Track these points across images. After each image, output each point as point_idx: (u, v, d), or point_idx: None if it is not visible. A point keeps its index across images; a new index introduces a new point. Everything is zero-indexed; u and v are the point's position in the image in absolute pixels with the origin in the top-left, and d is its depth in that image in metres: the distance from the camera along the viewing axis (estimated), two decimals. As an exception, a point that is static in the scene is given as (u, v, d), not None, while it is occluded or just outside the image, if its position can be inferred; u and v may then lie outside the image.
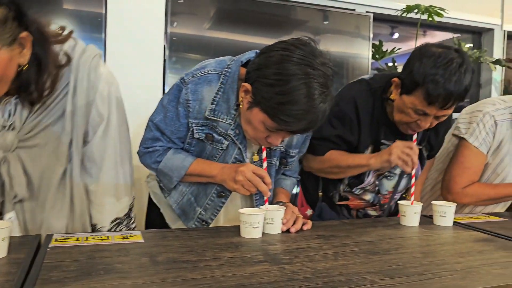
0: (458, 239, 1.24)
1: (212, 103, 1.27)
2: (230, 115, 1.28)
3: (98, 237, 1.13)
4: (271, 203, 1.40)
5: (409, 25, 3.52)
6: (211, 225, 1.41)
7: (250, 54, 1.29)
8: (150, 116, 1.37)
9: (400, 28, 3.73)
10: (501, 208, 1.69)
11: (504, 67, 3.53)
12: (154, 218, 1.50)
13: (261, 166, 1.30)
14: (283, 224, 1.25)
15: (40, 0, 2.19)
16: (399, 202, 1.43)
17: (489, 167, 1.64)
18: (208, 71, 1.29)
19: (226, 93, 1.27)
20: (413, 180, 1.45)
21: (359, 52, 3.00)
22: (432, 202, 1.44)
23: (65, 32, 1.15)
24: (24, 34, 0.99)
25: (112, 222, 1.26)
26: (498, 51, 3.60)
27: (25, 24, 1.00)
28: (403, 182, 1.64)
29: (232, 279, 0.85)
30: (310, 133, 1.48)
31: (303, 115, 1.11)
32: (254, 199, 1.41)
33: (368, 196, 1.65)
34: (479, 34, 3.71)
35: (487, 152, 1.62)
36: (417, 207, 1.39)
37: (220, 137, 1.30)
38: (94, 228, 1.25)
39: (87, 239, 1.11)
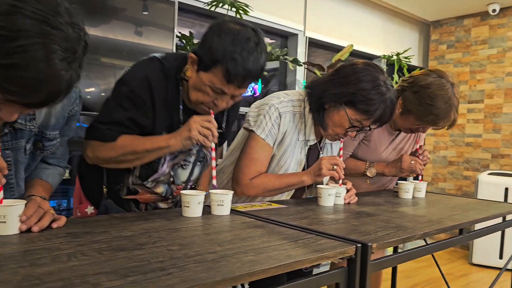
0: (228, 228, 1.17)
1: None
2: None
3: None
4: (21, 197, 1.13)
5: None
6: None
7: None
8: None
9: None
10: (286, 196, 1.72)
11: (306, 70, 3.84)
12: None
13: None
14: (21, 222, 0.99)
15: None
16: (182, 192, 1.31)
17: (274, 158, 1.65)
18: None
19: None
20: (213, 162, 1.36)
21: (163, 45, 2.85)
22: (210, 191, 1.36)
23: None
24: None
25: None
26: (302, 55, 3.90)
27: None
28: (196, 171, 1.53)
29: None
30: (76, 112, 1.25)
31: (38, 84, 0.86)
32: None
33: (161, 189, 1.49)
34: (286, 38, 3.97)
35: (274, 144, 1.63)
36: (200, 196, 1.29)
37: None
38: None
39: None
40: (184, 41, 2.99)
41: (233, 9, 2.86)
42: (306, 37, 3.89)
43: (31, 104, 0.92)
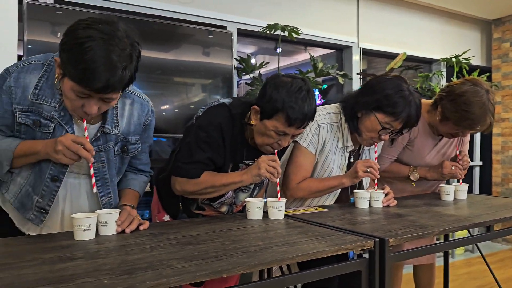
0: (275, 228, 1.44)
1: (35, 88, 1.33)
2: (55, 99, 1.34)
3: None
4: (115, 206, 1.49)
5: (288, 42, 3.78)
6: (54, 223, 1.45)
7: None
8: None
9: (284, 44, 4.01)
10: (330, 201, 1.95)
11: (361, 80, 4.01)
12: (3, 225, 1.48)
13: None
14: (118, 225, 1.34)
15: None
16: (246, 199, 1.63)
17: (318, 164, 1.91)
18: (31, 62, 1.36)
19: (50, 79, 1.34)
20: (278, 187, 1.66)
21: (227, 64, 3.21)
22: (267, 199, 1.64)
23: None
24: None
25: None
26: (356, 66, 4.08)
27: None
28: (255, 192, 1.85)
29: (37, 275, 0.93)
30: (150, 122, 1.57)
31: (101, 73, 1.18)
32: (99, 195, 1.47)
33: (224, 208, 1.81)
34: (340, 50, 4.17)
35: (316, 152, 1.88)
36: (259, 202, 1.59)
37: (46, 121, 1.35)
38: None
39: None
40: (243, 64, 3.33)
41: (285, 32, 3.15)
42: (360, 48, 4.06)
43: (97, 90, 1.22)
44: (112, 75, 1.19)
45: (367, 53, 4.23)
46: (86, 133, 1.34)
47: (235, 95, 3.26)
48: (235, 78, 3.26)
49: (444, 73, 4.50)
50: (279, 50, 4.03)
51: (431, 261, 2.36)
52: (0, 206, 1.49)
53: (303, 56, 6.19)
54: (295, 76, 1.64)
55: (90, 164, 1.34)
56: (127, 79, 1.24)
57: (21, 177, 1.42)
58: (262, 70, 3.39)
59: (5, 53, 2.11)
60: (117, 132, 1.46)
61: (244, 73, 3.38)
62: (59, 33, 2.48)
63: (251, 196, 1.83)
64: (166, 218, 1.88)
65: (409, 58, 4.05)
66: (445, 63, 4.39)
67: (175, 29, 3.03)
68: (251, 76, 3.33)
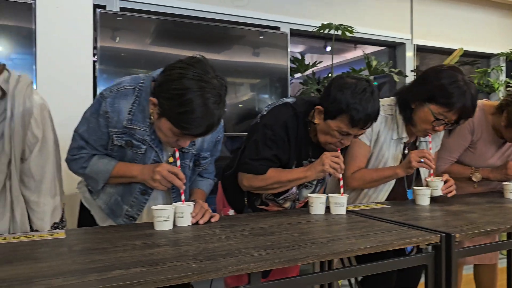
0: (338, 222, 1.50)
1: (129, 114, 1.47)
2: (145, 123, 1.48)
3: (25, 236, 1.28)
4: (187, 200, 1.61)
5: (337, 40, 3.82)
6: (137, 221, 1.58)
7: (160, 70, 1.50)
8: (75, 128, 1.54)
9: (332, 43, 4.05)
10: (383, 195, 1.97)
11: (415, 77, 3.95)
12: (85, 220, 1.65)
13: (175, 166, 1.50)
14: (192, 217, 1.45)
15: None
16: (308, 195, 1.70)
17: (373, 155, 1.94)
18: (123, 87, 1.49)
19: (141, 104, 1.47)
20: (341, 182, 1.71)
21: (282, 64, 3.29)
22: (329, 195, 1.69)
23: None
24: None
25: (52, 226, 1.42)
26: (410, 63, 4.02)
27: None
28: (317, 189, 1.91)
29: (132, 258, 1.05)
30: (220, 138, 1.69)
31: (201, 121, 1.33)
32: (172, 197, 1.60)
33: (287, 204, 1.89)
34: (393, 48, 4.13)
35: (370, 143, 1.92)
36: (322, 198, 1.65)
37: (138, 143, 1.49)
38: None
39: (13, 238, 1.26)
40: (296, 63, 3.39)
41: (339, 31, 3.18)
42: (414, 44, 4.00)
43: (198, 134, 1.37)
44: (211, 122, 1.33)
45: (421, 50, 4.16)
46: (178, 163, 1.49)
47: (289, 94, 3.33)
48: (289, 78, 3.33)
49: (504, 68, 4.34)
50: (328, 48, 4.06)
51: (494, 261, 2.32)
52: (83, 204, 1.65)
53: (351, 54, 6.14)
54: (359, 78, 1.69)
55: (181, 191, 1.48)
56: (221, 117, 1.38)
57: (111, 187, 1.57)
58: (314, 69, 3.44)
59: (82, 59, 2.29)
60: (193, 151, 1.59)
61: (296, 73, 3.44)
62: (117, 38, 2.66)
63: (313, 192, 1.89)
64: (231, 212, 1.98)
65: (465, 53, 3.94)
66: (504, 57, 4.24)
67: (227, 30, 3.14)
68: (305, 76, 3.38)
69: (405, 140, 1.95)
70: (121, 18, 2.71)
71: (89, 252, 1.10)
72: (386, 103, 1.96)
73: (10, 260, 1.03)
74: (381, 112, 1.92)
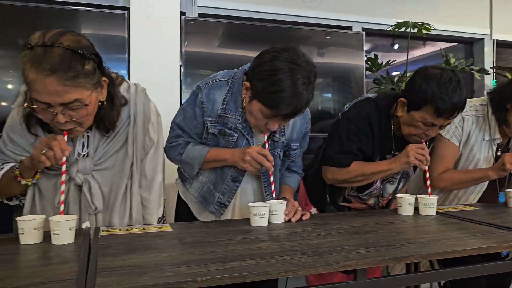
0: (430, 223, 1.49)
1: (223, 103, 1.57)
2: (238, 112, 1.57)
3: (136, 228, 1.41)
4: (277, 198, 1.68)
5: (405, 38, 3.75)
6: (227, 212, 1.67)
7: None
8: (173, 119, 1.67)
9: (400, 39, 3.99)
10: (472, 199, 1.92)
11: (495, 74, 3.77)
12: (183, 213, 1.77)
13: None
14: (285, 215, 1.52)
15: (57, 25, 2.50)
16: (396, 195, 1.71)
17: (462, 156, 1.90)
18: (218, 79, 1.60)
19: (234, 94, 1.57)
20: (427, 174, 1.69)
21: (356, 63, 3.28)
22: (418, 196, 1.69)
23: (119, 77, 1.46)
24: (104, 78, 1.30)
25: (157, 221, 1.54)
26: (489, 59, 3.85)
27: (102, 70, 1.29)
28: (401, 185, 1.91)
29: (242, 251, 1.12)
30: (308, 130, 1.75)
31: (290, 100, 1.39)
32: (264, 193, 1.67)
33: (371, 200, 1.91)
34: (471, 44, 3.96)
35: (459, 144, 1.88)
36: (411, 198, 1.65)
37: (231, 131, 1.58)
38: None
39: (127, 229, 1.39)
40: (370, 62, 3.37)
41: (415, 28, 3.11)
42: (494, 40, 3.83)
43: (287, 114, 1.43)
44: (299, 102, 1.39)
45: (501, 45, 3.97)
46: (267, 146, 1.56)
47: (364, 93, 3.31)
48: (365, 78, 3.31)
49: None
50: (396, 46, 3.98)
51: None
52: (181, 198, 1.77)
53: (420, 51, 5.96)
54: (444, 68, 1.67)
55: (270, 173, 1.55)
56: (309, 100, 1.43)
57: (204, 176, 1.67)
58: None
59: (170, 63, 2.44)
60: (284, 140, 1.66)
61: (369, 72, 3.42)
62: (186, 42, 2.79)
63: (397, 187, 1.88)
64: (313, 210, 2.02)
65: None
66: None
67: (295, 32, 3.19)
68: (378, 75, 3.35)
69: (498, 141, 1.89)
70: (200, 23, 2.84)
71: (199, 244, 1.20)
72: (477, 103, 1.92)
73: (133, 249, 1.14)
74: (472, 112, 1.89)
